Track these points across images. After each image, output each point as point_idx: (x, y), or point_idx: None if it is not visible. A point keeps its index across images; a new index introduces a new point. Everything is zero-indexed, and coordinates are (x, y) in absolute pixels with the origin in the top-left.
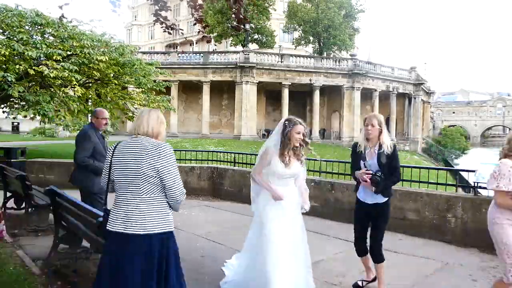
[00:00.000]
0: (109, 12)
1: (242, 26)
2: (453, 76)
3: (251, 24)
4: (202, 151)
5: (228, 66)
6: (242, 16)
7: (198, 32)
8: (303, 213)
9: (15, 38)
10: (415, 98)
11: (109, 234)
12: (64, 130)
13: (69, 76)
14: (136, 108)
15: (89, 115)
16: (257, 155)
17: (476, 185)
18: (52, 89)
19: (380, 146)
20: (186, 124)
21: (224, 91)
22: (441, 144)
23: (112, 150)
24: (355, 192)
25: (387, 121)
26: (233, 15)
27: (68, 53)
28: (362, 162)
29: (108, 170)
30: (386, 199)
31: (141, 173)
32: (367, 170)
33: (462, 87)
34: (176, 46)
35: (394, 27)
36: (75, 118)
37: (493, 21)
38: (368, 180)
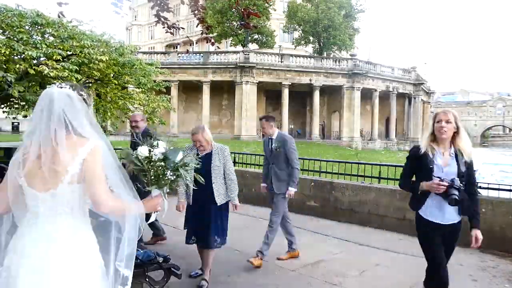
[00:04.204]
0: (109, 13)
1: (250, 24)
2: (453, 76)
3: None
4: None
5: (228, 66)
6: (249, 12)
7: (202, 33)
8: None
9: (15, 38)
10: (415, 98)
11: None
12: None
13: (69, 76)
14: (136, 108)
15: None
16: (257, 155)
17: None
18: None
19: (457, 151)
20: (186, 124)
21: (224, 91)
22: None
23: None
24: (413, 209)
25: (387, 121)
26: (242, 10)
27: (68, 53)
28: (433, 170)
29: None
30: (460, 217)
31: None
32: (440, 179)
33: (462, 87)
34: (177, 46)
35: (394, 27)
36: None
37: (493, 21)
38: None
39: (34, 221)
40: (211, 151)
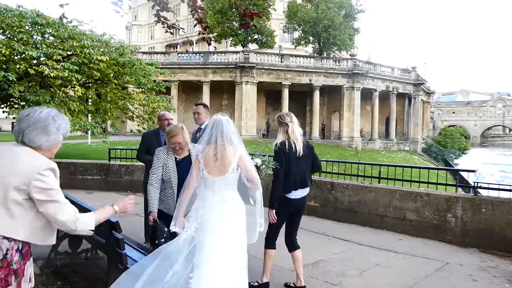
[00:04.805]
0: (109, 12)
1: (250, 23)
2: (453, 76)
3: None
4: None
5: (228, 66)
6: (251, 13)
7: (199, 33)
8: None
9: (15, 38)
10: (415, 98)
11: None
12: None
13: (69, 76)
14: (136, 108)
15: (89, 115)
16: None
17: (476, 185)
18: (52, 89)
19: None
20: (186, 124)
21: (224, 91)
22: (441, 144)
23: None
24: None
25: (387, 121)
26: (243, 11)
27: (68, 53)
28: None
29: None
30: None
31: None
32: None
33: (462, 87)
34: (176, 46)
35: (394, 27)
36: (75, 118)
37: (493, 21)
38: None
39: (212, 193)
40: (189, 155)
